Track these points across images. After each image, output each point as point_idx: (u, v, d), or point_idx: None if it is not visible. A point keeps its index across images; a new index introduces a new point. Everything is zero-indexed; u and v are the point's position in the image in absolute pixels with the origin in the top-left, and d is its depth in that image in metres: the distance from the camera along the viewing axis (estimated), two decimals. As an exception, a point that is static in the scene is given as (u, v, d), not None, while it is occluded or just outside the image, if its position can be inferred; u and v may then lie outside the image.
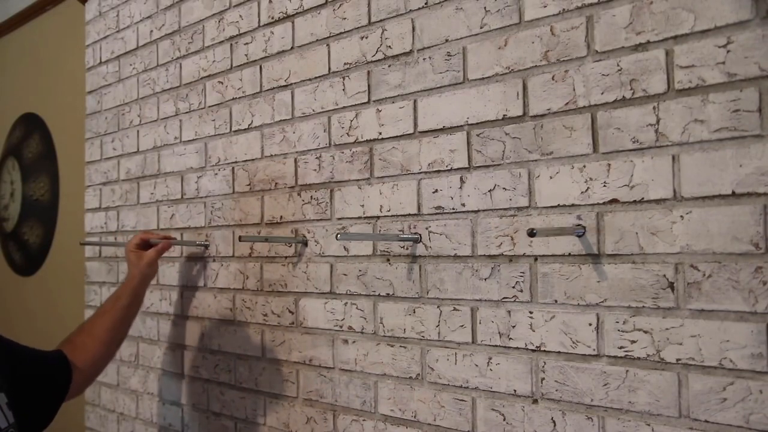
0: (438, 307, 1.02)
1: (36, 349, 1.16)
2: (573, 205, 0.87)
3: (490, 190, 0.96)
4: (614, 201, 0.84)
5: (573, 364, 0.87)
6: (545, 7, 0.91)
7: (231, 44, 1.44)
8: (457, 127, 1.01)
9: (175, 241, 1.49)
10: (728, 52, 0.75)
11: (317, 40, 1.24)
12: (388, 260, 1.10)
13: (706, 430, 0.75)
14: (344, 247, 1.16)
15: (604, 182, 0.84)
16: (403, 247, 1.07)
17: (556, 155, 0.89)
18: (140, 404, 1.71)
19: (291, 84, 1.29)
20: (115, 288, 1.79)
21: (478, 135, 0.98)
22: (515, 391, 0.93)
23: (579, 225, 0.86)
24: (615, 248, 0.83)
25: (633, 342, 0.81)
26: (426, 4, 1.05)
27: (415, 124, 1.07)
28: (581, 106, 0.87)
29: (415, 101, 1.07)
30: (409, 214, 1.07)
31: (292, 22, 1.29)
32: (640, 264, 0.81)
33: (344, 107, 1.18)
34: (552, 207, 0.90)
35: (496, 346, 0.95)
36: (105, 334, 1.28)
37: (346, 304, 1.16)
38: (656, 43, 0.80)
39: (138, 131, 1.74)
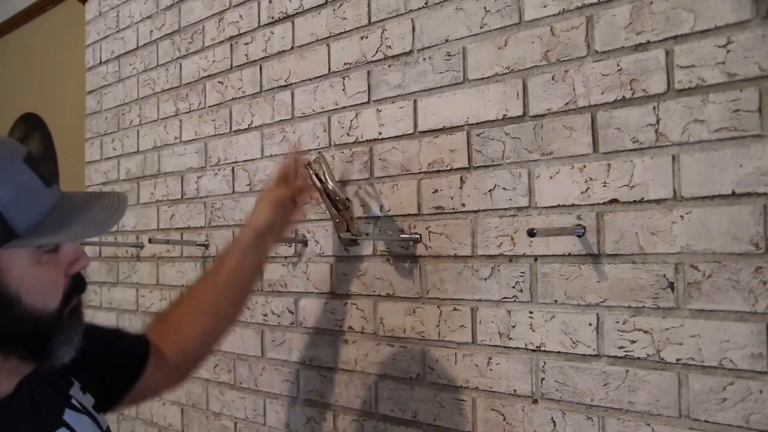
0: (438, 307, 1.02)
1: (119, 331, 1.02)
2: (573, 205, 0.87)
3: (490, 190, 0.96)
4: (614, 201, 0.84)
5: (573, 364, 0.87)
6: (545, 7, 0.91)
7: (231, 44, 1.44)
8: (457, 127, 1.01)
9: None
10: (728, 52, 0.75)
11: (317, 40, 1.24)
12: (388, 260, 1.10)
13: (706, 430, 0.75)
14: (344, 247, 1.16)
15: (604, 182, 0.84)
16: (403, 247, 1.07)
17: (556, 155, 0.89)
18: (140, 404, 1.71)
19: (291, 84, 1.29)
20: (116, 288, 1.79)
21: (478, 135, 0.98)
22: (515, 391, 0.93)
23: (579, 225, 0.86)
24: (615, 248, 0.83)
25: (633, 342, 0.81)
26: (426, 4, 1.05)
27: (415, 124, 1.07)
28: (581, 106, 0.87)
29: (415, 101, 1.07)
30: (409, 214, 1.07)
31: (292, 22, 1.29)
32: (640, 264, 0.81)
33: (344, 107, 1.18)
34: (552, 207, 0.90)
35: (496, 346, 0.95)
36: (202, 307, 0.98)
37: (346, 304, 1.16)
38: (656, 43, 0.80)
39: (138, 131, 1.74)
